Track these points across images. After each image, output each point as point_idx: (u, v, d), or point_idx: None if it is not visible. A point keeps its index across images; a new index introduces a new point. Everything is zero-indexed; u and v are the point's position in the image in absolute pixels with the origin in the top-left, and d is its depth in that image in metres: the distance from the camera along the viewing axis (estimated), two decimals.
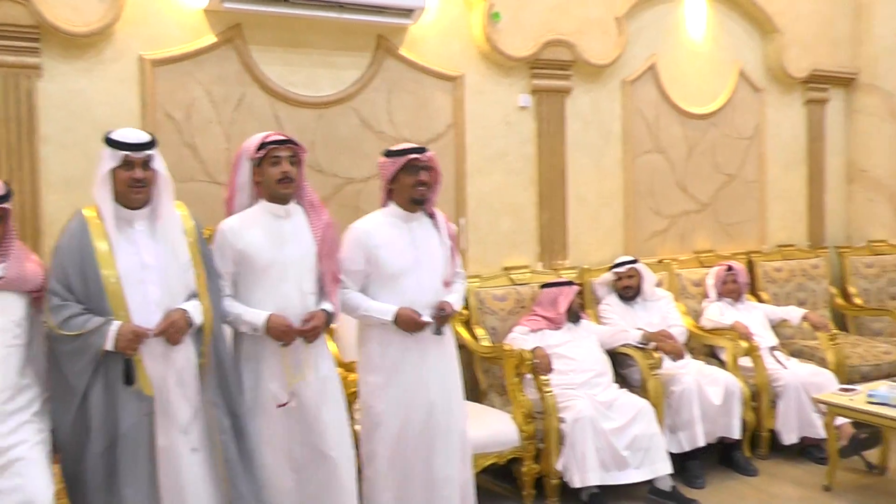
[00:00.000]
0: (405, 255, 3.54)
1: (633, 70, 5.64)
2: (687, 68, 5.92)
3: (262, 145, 3.27)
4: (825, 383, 4.87)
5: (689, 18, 5.90)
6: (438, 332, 3.55)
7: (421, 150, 3.57)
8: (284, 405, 3.26)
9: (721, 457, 4.83)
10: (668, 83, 5.79)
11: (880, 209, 6.67)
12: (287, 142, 3.30)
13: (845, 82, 6.71)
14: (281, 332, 3.20)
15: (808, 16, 6.44)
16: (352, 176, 4.70)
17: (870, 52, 6.65)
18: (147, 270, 3.00)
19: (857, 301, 6.34)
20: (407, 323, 3.46)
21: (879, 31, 6.62)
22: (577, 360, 4.51)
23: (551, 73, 5.25)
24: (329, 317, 3.34)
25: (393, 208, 3.61)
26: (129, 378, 2.92)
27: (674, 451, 4.49)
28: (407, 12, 4.64)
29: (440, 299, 3.56)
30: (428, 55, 4.91)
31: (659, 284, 5.36)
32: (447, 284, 3.65)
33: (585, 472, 4.10)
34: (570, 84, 5.34)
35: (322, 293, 3.37)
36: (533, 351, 4.28)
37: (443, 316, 3.52)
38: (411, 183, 3.53)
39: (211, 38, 4.32)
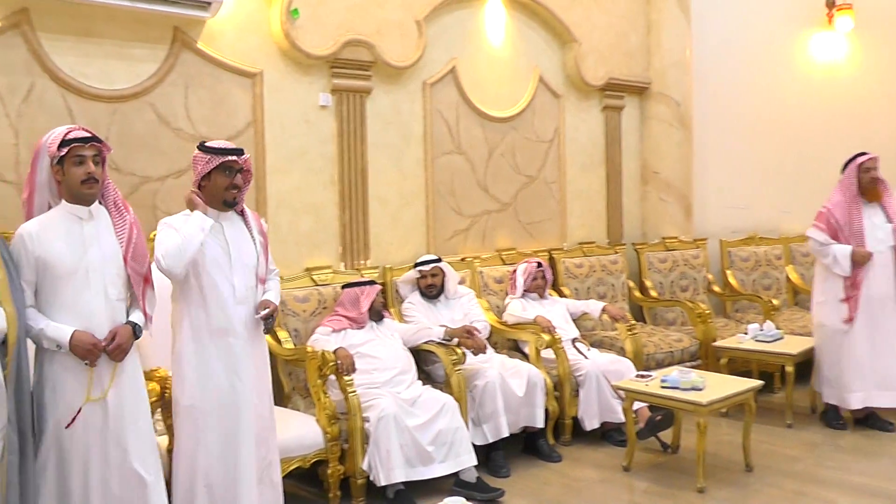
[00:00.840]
0: (221, 255, 3.44)
1: (433, 72, 5.69)
2: (487, 73, 6.05)
3: (65, 142, 3.03)
4: (624, 371, 5.08)
5: (488, 25, 6.03)
6: (267, 330, 3.52)
7: (239, 153, 3.48)
8: (70, 424, 3.01)
9: (525, 445, 4.93)
10: (468, 86, 5.88)
11: (671, 208, 7.08)
12: (91, 139, 3.08)
13: (639, 91, 7.08)
14: (86, 351, 2.98)
15: (604, 28, 6.75)
16: (148, 174, 4.47)
17: (660, 64, 7.07)
18: None
19: (653, 293, 6.69)
20: None
21: (668, 46, 7.05)
22: (380, 358, 4.49)
23: (351, 72, 5.22)
24: (136, 329, 3.15)
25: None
26: None
27: (479, 443, 4.54)
28: (204, 4, 4.48)
29: (259, 298, 3.51)
30: (226, 50, 4.77)
31: (461, 282, 5.42)
32: (262, 282, 3.59)
33: (390, 469, 4.06)
34: (370, 84, 5.32)
35: (133, 300, 3.20)
36: (335, 351, 4.21)
37: (269, 314, 3.47)
38: (225, 185, 3.45)
39: None
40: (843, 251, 5.16)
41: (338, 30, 5.12)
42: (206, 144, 3.48)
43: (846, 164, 5.32)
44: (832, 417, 5.40)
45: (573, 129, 6.64)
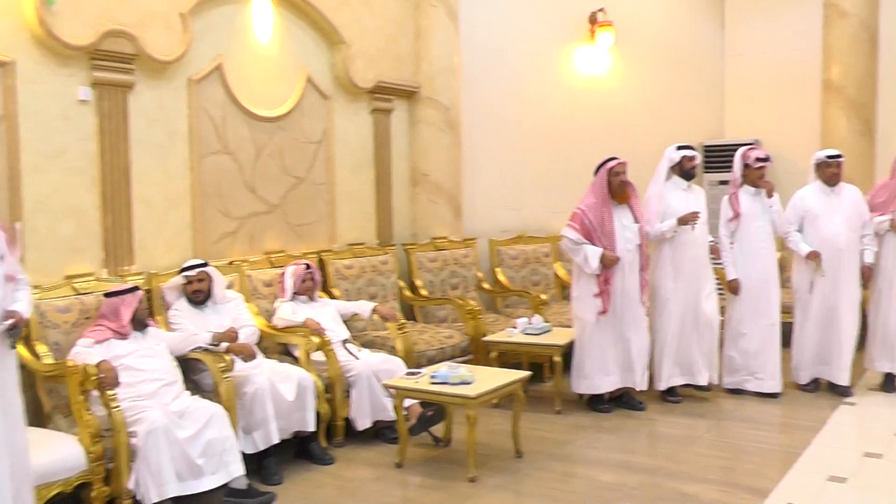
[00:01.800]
0: None
1: (199, 69, 5.49)
2: (254, 71, 5.93)
3: None
4: (395, 369, 5.19)
5: (256, 22, 5.91)
6: (12, 344, 3.29)
7: None
8: None
9: (298, 450, 4.91)
10: (235, 84, 5.74)
11: (441, 209, 7.27)
12: None
13: (408, 95, 7.20)
14: None
15: (374, 32, 6.80)
16: None
17: (429, 69, 7.22)
18: None
19: (423, 292, 6.86)
20: None
21: (436, 52, 7.22)
22: (146, 370, 4.31)
23: (113, 65, 4.93)
24: None
25: None
26: None
27: (250, 452, 4.48)
28: None
29: (5, 308, 3.29)
30: None
31: (230, 286, 5.30)
32: (11, 281, 3.39)
33: (161, 485, 3.91)
34: (133, 79, 5.06)
35: None
36: (98, 364, 3.99)
37: (14, 327, 3.26)
38: None
39: None
40: (594, 252, 5.56)
41: (98, 19, 4.82)
42: None
43: (598, 168, 5.73)
44: (597, 402, 5.82)
45: (342, 131, 6.65)
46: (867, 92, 7.98)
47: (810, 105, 8.29)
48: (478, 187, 7.69)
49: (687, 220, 5.71)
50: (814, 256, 5.93)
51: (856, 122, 7.89)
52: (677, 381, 5.98)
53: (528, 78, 7.97)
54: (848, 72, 7.92)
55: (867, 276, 6.03)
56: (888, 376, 6.14)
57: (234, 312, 5.08)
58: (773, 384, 6.02)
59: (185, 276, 4.96)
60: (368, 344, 5.79)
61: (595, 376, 5.73)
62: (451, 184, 7.31)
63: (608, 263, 5.57)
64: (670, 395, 5.99)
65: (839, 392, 6.03)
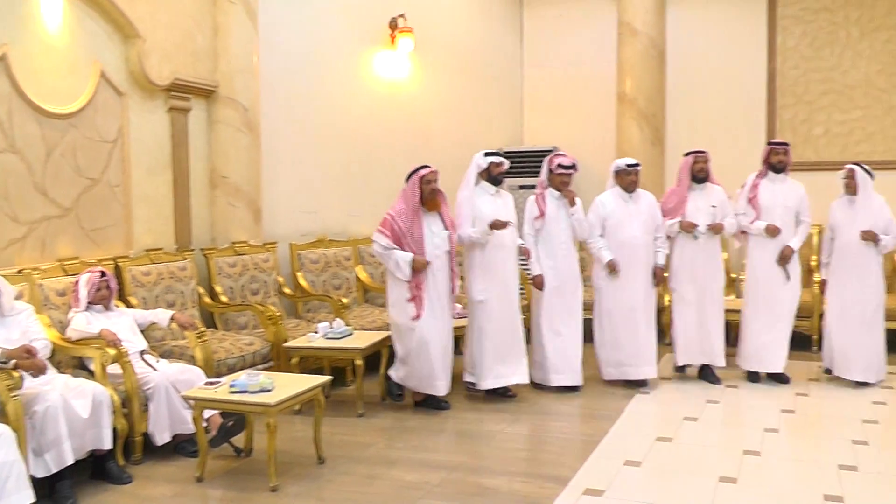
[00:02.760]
0: None
1: None
2: (43, 63, 5.56)
3: None
4: (194, 379, 5.06)
5: (44, 10, 5.54)
6: None
7: None
8: None
9: (94, 470, 4.69)
10: (21, 77, 5.35)
11: (240, 213, 7.12)
12: None
13: (206, 94, 6.99)
14: None
15: (169, 26, 6.56)
16: None
17: (227, 68, 7.05)
18: None
19: (223, 299, 6.71)
20: None
21: (235, 51, 7.06)
22: None
23: None
24: None
25: None
26: None
27: (41, 475, 4.23)
28: None
29: None
30: None
31: (19, 297, 4.95)
32: None
33: None
34: None
35: None
36: None
37: None
38: None
39: None
40: (404, 257, 5.70)
41: None
42: None
43: (409, 175, 5.86)
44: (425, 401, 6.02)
45: (138, 130, 6.36)
46: (657, 104, 8.75)
47: (606, 115, 8.97)
48: (278, 190, 7.62)
49: (497, 226, 5.95)
50: (612, 267, 6.39)
51: (647, 132, 8.62)
52: (500, 381, 6.19)
53: (330, 81, 7.99)
54: (639, 85, 8.64)
55: (659, 276, 6.54)
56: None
57: (23, 325, 4.72)
58: (575, 377, 6.38)
59: None
60: (167, 354, 5.60)
61: (436, 379, 5.87)
62: (250, 186, 7.19)
63: (419, 268, 5.72)
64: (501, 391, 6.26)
65: (638, 385, 6.50)
